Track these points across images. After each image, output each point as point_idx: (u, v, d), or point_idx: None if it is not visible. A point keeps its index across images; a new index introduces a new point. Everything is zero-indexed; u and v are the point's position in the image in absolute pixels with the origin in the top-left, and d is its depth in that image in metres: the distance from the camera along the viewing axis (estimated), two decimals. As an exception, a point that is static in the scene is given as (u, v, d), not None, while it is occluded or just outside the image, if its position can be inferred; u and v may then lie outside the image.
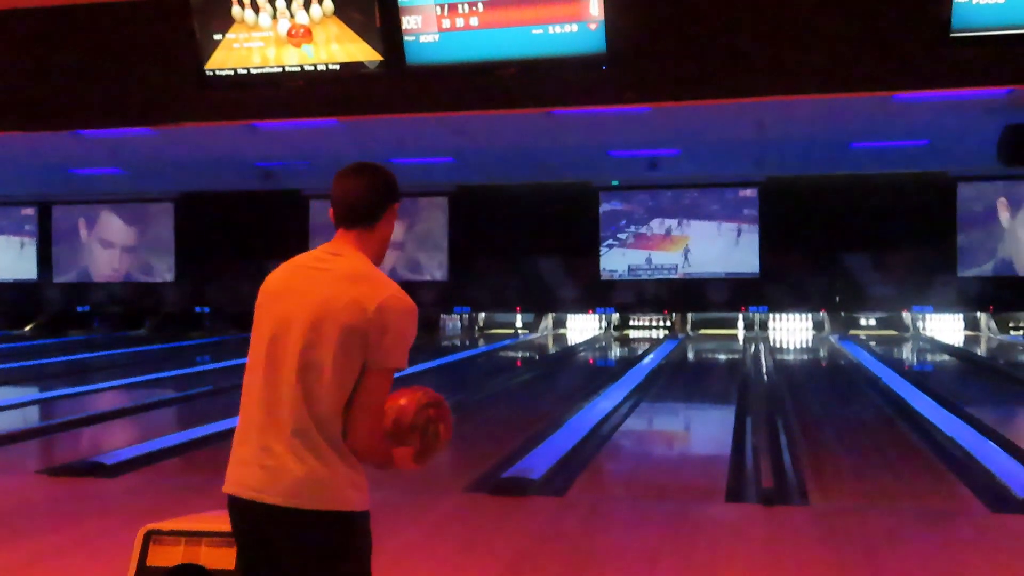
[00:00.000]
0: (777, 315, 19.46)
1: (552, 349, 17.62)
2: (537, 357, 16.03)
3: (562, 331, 20.17)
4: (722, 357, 16.59)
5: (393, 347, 2.23)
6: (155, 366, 13.51)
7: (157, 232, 20.74)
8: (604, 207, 19.20)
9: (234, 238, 20.31)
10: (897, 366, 13.19)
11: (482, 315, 20.78)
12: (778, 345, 17.38)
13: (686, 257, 18.90)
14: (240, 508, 2.27)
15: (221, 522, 3.00)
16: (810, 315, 19.42)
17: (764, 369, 12.75)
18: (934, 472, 6.63)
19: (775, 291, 18.68)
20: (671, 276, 18.98)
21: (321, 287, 2.28)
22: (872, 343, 17.08)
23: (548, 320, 20.16)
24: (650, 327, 20.23)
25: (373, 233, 2.44)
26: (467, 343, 19.03)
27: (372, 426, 2.21)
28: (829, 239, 18.23)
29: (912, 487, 6.21)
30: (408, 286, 19.70)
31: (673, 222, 18.95)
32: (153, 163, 15.77)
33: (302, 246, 19.90)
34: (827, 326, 18.97)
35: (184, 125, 9.02)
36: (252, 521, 2.25)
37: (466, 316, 20.61)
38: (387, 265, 19.92)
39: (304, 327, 2.23)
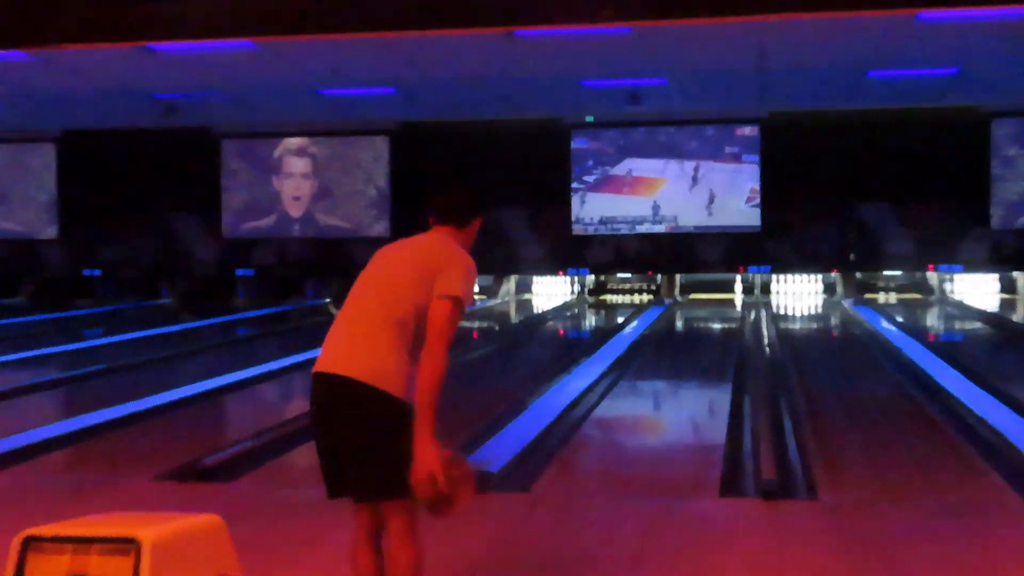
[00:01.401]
0: (781, 276, 19.62)
1: (515, 318, 17.63)
2: (497, 328, 16.04)
3: (527, 296, 20.18)
4: (716, 326, 16.69)
5: (448, 279, 3.46)
6: (34, 341, 13.35)
7: (35, 178, 20.38)
8: (576, 147, 19.17)
9: (131, 186, 20.03)
10: (921, 335, 13.37)
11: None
12: (782, 312, 17.53)
13: (673, 208, 18.95)
14: (325, 379, 3.44)
15: (115, 525, 2.97)
16: (820, 276, 19.60)
17: (766, 340, 12.87)
18: (963, 459, 6.74)
19: (779, 248, 18.81)
20: (656, 230, 19.04)
21: (417, 248, 3.65)
22: (892, 308, 17.28)
23: (510, 283, 20.17)
24: (632, 291, 20.30)
25: (460, 233, 3.74)
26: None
27: (432, 344, 3.41)
28: (842, 186, 18.36)
29: (937, 477, 6.31)
30: (340, 244, 19.67)
31: (658, 165, 18.99)
32: (29, 95, 15.46)
33: (213, 194, 19.79)
34: (839, 289, 19.16)
35: (67, 47, 8.85)
36: (331, 389, 3.43)
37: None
38: (312, 216, 19.79)
39: (401, 267, 3.58)
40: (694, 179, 18.87)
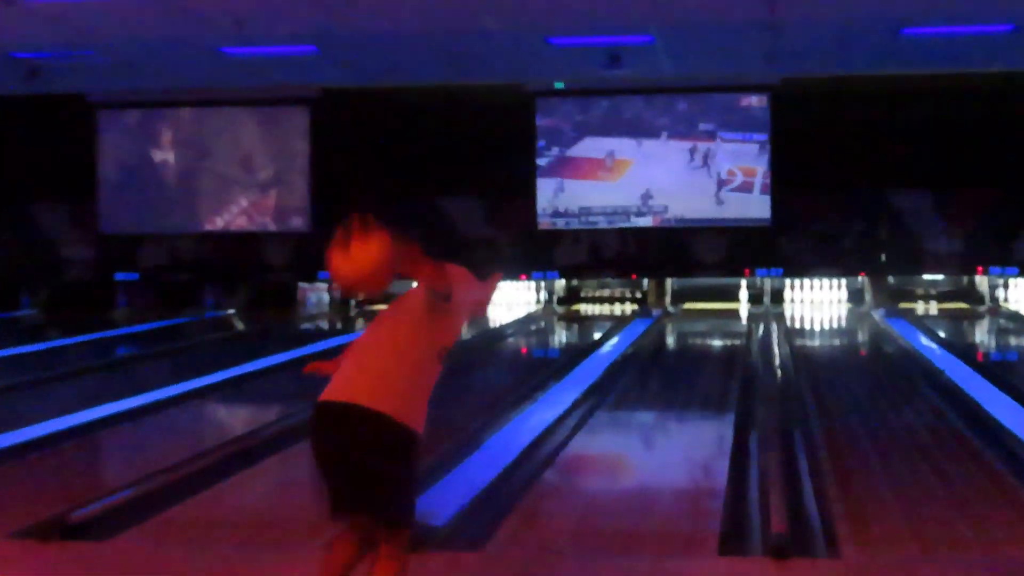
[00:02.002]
0: (796, 281, 19.71)
1: (466, 333, 17.60)
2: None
3: (481, 306, 20.15)
4: (716, 343, 16.72)
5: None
6: None
7: None
8: (543, 121, 19.18)
9: (-18, 168, 19.86)
10: (968, 354, 13.47)
11: (362, 283, 20.63)
12: (797, 325, 17.60)
13: (664, 196, 19.00)
14: (326, 407, 4.26)
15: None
16: (844, 281, 19.71)
17: (777, 361, 12.91)
18: (1018, 506, 6.79)
19: (794, 246, 18.92)
20: (642, 223, 19.08)
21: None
22: (933, 321, 17.39)
23: (461, 290, 20.12)
24: (611, 299, 20.32)
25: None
26: (338, 326, 18.88)
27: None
28: (871, 169, 18.49)
29: (988, 528, 6.34)
30: (247, 241, 19.55)
31: (644, 144, 19.04)
32: None
33: (87, 178, 19.61)
34: (868, 297, 19.28)
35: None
36: (332, 416, 4.24)
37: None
38: (222, 208, 19.68)
39: (413, 298, 4.51)
40: (693, 159, 18.93)
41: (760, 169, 18.78)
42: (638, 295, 20.07)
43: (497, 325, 18.05)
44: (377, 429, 4.21)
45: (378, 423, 4.20)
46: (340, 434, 4.22)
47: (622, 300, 20.23)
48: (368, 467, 4.19)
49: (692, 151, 18.88)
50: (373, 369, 4.30)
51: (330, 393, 4.28)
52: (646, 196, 18.97)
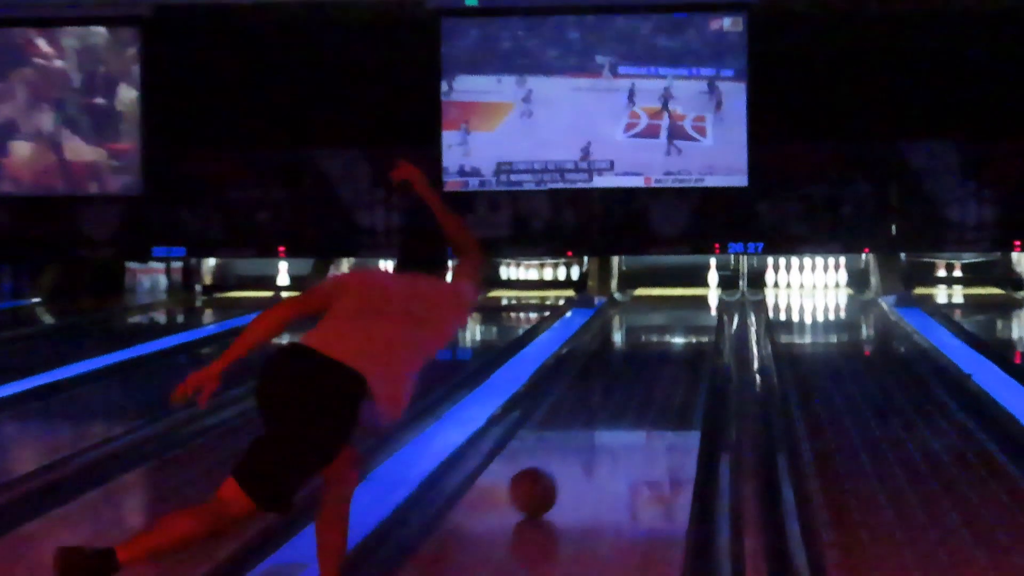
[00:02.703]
0: (782, 260, 19.83)
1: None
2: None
3: (370, 293, 20.09)
4: (677, 341, 16.79)
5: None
6: None
7: None
8: (450, 50, 19.13)
9: None
10: (1002, 354, 13.61)
11: (210, 262, 20.50)
12: (783, 317, 17.71)
13: (607, 148, 19.04)
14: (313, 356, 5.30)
15: None
16: (842, 259, 19.85)
17: (756, 363, 12.99)
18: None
19: (778, 215, 19.03)
20: (582, 183, 19.09)
21: (436, 296, 5.75)
22: (957, 311, 17.55)
23: (343, 272, 20.06)
24: (541, 284, 20.32)
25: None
26: (178, 318, 18.74)
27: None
28: (879, 115, 18.62)
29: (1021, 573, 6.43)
30: (62, 206, 19.33)
31: (583, 82, 19.06)
32: None
33: None
34: (874, 281, 19.43)
35: None
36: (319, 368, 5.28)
37: (179, 265, 20.29)
38: (22, 163, 19.50)
39: (430, 312, 5.66)
40: (642, 102, 18.98)
41: (734, 114, 18.85)
42: (576, 279, 20.08)
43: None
44: (351, 398, 5.33)
45: (357, 390, 5.32)
46: (312, 381, 5.23)
47: (555, 285, 20.24)
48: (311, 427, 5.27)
49: (642, 92, 18.91)
50: (385, 352, 5.36)
51: (328, 348, 5.25)
52: (586, 149, 18.99)
